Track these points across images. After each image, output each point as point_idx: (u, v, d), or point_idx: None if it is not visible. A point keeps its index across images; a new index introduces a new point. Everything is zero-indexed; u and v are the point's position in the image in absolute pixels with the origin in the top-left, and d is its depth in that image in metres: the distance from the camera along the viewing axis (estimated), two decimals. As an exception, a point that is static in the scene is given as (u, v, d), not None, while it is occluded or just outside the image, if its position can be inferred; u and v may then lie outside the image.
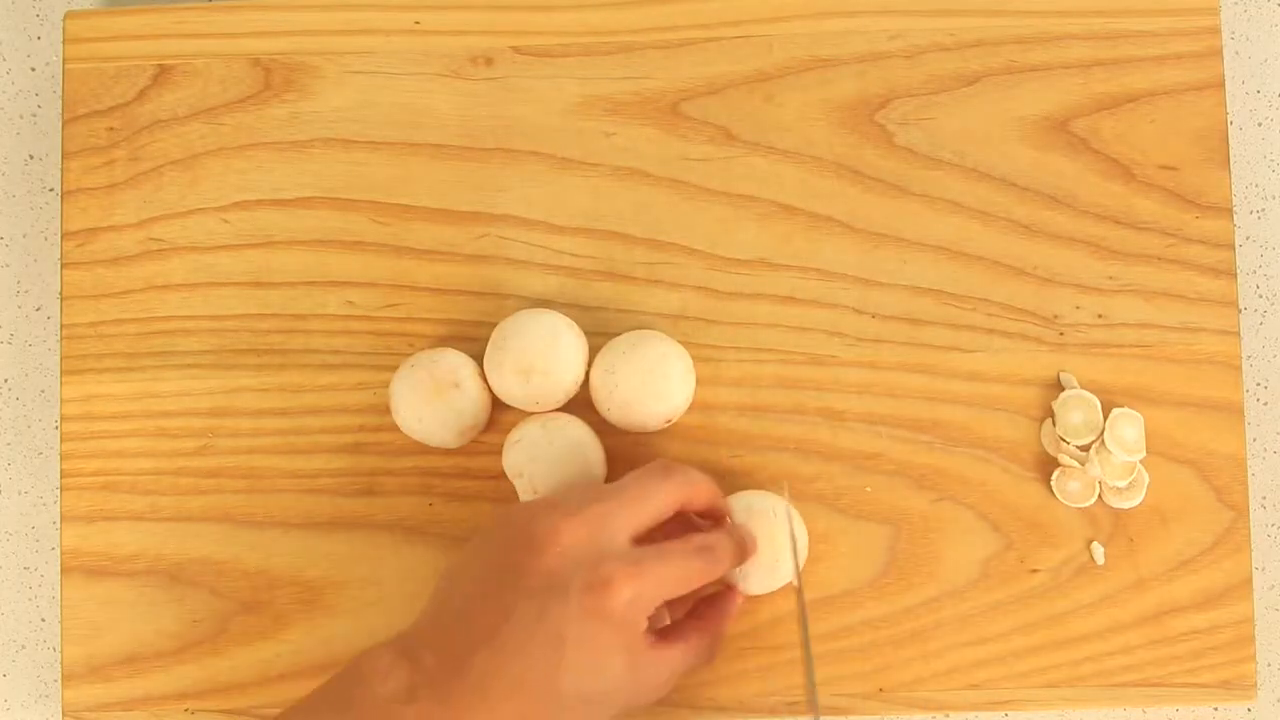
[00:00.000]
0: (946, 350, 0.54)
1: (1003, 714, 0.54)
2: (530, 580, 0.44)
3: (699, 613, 0.50)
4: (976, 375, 0.54)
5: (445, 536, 0.54)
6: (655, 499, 0.47)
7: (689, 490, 0.48)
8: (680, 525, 0.49)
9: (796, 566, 0.50)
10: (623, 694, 0.45)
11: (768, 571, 0.50)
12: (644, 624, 0.45)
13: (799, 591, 0.50)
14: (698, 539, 0.48)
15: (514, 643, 0.43)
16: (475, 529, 0.53)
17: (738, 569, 0.50)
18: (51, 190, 0.59)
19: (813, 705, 0.48)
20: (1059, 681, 0.52)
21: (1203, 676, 0.52)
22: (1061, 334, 0.54)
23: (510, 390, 0.52)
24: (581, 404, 0.53)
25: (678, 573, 0.46)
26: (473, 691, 0.42)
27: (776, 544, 0.50)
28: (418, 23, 0.56)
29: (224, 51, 0.56)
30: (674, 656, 0.47)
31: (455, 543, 0.53)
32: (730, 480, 0.53)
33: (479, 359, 0.53)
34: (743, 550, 0.49)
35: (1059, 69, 0.54)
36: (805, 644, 0.49)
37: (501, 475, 0.53)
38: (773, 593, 0.52)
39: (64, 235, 0.55)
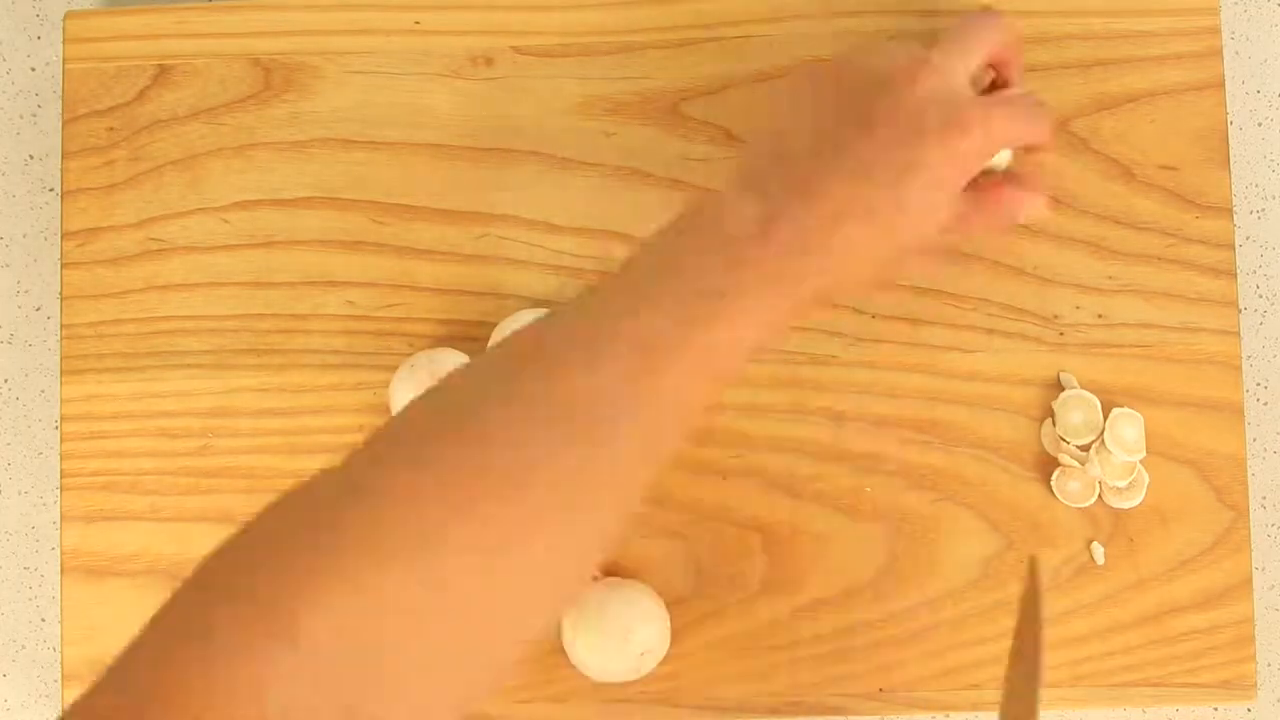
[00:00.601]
0: (946, 350, 0.54)
1: (1003, 714, 0.54)
2: (889, 114, 0.44)
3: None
4: (976, 375, 0.54)
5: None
6: (984, 45, 0.47)
7: (1008, 36, 0.48)
8: None
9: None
10: (941, 236, 0.46)
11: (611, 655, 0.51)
12: (975, 170, 0.45)
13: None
14: (1030, 96, 0.48)
15: (870, 168, 0.43)
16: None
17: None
18: (51, 190, 0.59)
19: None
20: (1059, 681, 0.52)
21: (1203, 676, 0.52)
22: (1061, 334, 0.54)
23: (510, 390, 0.52)
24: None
25: (1018, 124, 0.47)
26: (830, 217, 0.42)
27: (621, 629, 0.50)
28: (418, 23, 0.56)
29: (224, 51, 0.56)
30: (989, 200, 0.47)
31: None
32: (731, 481, 0.53)
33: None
34: (1050, 115, 0.49)
35: (1059, 69, 0.54)
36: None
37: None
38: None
39: (64, 235, 0.55)
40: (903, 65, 0.45)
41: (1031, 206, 0.48)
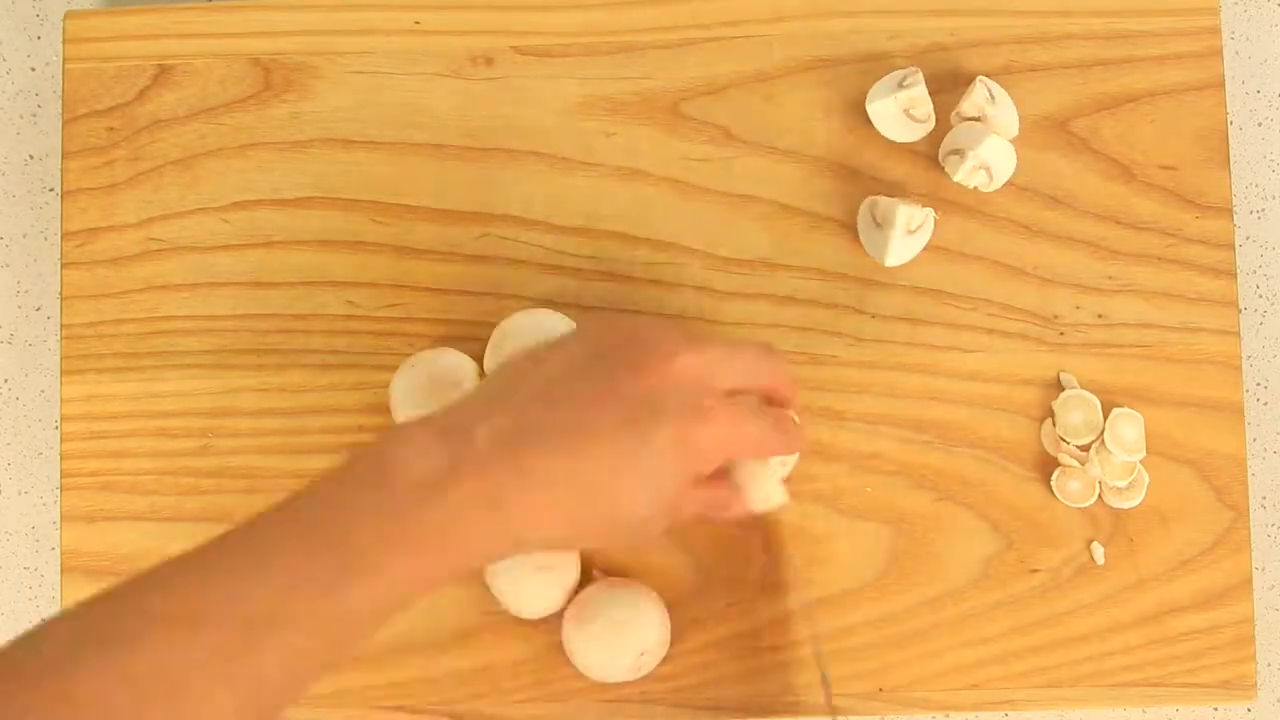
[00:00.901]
0: (946, 350, 0.54)
1: (1003, 714, 0.54)
2: (630, 388, 0.42)
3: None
4: (976, 375, 0.54)
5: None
6: (758, 369, 0.46)
7: (781, 377, 0.47)
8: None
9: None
10: (654, 521, 0.44)
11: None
12: (710, 466, 0.44)
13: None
14: (784, 412, 0.47)
15: (591, 441, 0.41)
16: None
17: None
18: (51, 190, 0.59)
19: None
20: (1059, 681, 0.52)
21: (1203, 676, 0.52)
22: (1061, 334, 0.54)
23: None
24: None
25: (762, 434, 0.45)
26: (529, 478, 0.40)
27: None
28: (418, 23, 0.56)
29: (224, 51, 0.56)
30: (701, 498, 0.46)
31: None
32: (730, 480, 0.53)
33: (479, 359, 0.53)
34: (803, 441, 0.48)
35: (1059, 69, 0.54)
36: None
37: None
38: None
39: (64, 235, 0.55)
40: (667, 345, 0.43)
41: (739, 509, 0.47)
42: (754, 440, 0.45)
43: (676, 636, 0.52)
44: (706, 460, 0.44)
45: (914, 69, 0.53)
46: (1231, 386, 0.53)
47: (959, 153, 0.52)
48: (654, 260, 0.54)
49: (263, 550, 0.39)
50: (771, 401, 0.47)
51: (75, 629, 0.37)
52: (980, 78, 0.53)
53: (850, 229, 0.54)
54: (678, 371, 0.43)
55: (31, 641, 0.37)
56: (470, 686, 0.53)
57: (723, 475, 0.47)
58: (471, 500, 0.40)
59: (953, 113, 0.54)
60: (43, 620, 0.38)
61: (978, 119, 0.53)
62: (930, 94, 0.54)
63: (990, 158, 0.52)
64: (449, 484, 0.40)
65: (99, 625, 0.37)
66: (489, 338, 0.53)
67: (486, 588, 0.52)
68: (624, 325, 0.46)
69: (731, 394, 0.45)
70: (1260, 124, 0.57)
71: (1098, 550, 0.52)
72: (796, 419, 0.49)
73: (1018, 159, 0.53)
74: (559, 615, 0.52)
